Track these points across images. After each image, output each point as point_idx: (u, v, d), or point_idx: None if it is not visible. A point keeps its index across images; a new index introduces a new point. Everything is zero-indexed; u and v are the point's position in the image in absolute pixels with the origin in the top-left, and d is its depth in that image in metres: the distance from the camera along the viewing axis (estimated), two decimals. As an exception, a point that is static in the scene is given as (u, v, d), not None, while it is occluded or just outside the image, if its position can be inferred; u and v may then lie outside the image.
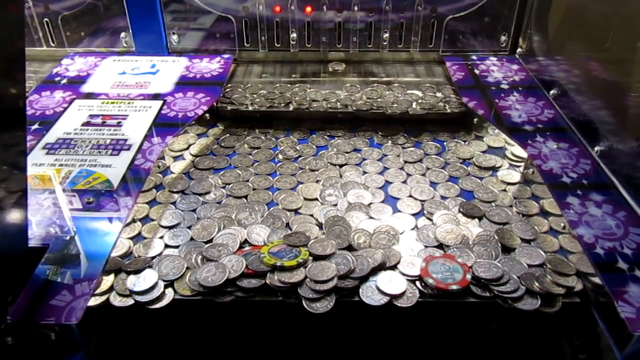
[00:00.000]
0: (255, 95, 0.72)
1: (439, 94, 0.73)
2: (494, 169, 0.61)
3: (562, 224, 0.51)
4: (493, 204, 0.55)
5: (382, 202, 0.55)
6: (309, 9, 0.77)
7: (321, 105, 0.70)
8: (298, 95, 0.72)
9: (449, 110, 0.69)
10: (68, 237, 0.46)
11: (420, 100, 0.71)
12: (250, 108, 0.70)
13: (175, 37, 0.81)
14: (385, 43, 0.81)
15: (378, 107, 0.69)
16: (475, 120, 0.68)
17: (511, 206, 0.54)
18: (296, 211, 0.53)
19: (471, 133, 0.68)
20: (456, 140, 0.66)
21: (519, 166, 0.61)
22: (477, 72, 0.76)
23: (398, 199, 0.56)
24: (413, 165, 0.61)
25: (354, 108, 0.69)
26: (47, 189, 0.51)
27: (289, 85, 0.75)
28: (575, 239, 0.47)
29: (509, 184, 0.58)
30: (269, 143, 0.65)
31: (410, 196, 0.56)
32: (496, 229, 0.51)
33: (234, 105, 0.70)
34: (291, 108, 0.70)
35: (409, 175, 0.59)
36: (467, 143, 0.66)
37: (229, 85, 0.75)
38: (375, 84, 0.75)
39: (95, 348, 0.43)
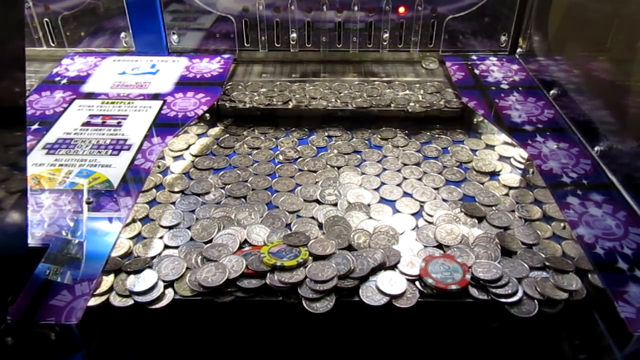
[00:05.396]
0: (255, 93, 0.73)
1: (438, 94, 0.73)
2: (495, 174, 0.60)
3: (562, 224, 0.51)
4: (494, 207, 0.54)
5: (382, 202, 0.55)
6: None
7: (320, 103, 0.70)
8: (297, 93, 0.73)
9: (447, 109, 0.70)
10: (77, 241, 0.45)
11: (419, 98, 0.71)
12: (248, 106, 0.70)
13: (175, 37, 0.81)
14: (385, 43, 0.81)
15: (377, 104, 0.70)
16: (475, 120, 0.68)
17: (513, 211, 0.53)
18: (296, 212, 0.53)
19: (470, 135, 0.68)
20: (457, 143, 0.66)
21: (521, 168, 0.60)
22: (477, 72, 0.76)
23: (398, 199, 0.55)
24: (413, 167, 0.61)
25: (354, 106, 0.69)
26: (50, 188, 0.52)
27: (288, 83, 0.76)
28: (575, 239, 0.47)
29: (510, 187, 0.57)
30: (269, 143, 0.65)
31: (411, 197, 0.56)
32: (497, 232, 0.50)
33: (233, 103, 0.71)
34: (290, 106, 0.71)
35: (405, 178, 0.59)
36: (467, 146, 0.65)
37: (229, 83, 0.75)
38: (376, 82, 0.76)
39: (95, 348, 0.43)
